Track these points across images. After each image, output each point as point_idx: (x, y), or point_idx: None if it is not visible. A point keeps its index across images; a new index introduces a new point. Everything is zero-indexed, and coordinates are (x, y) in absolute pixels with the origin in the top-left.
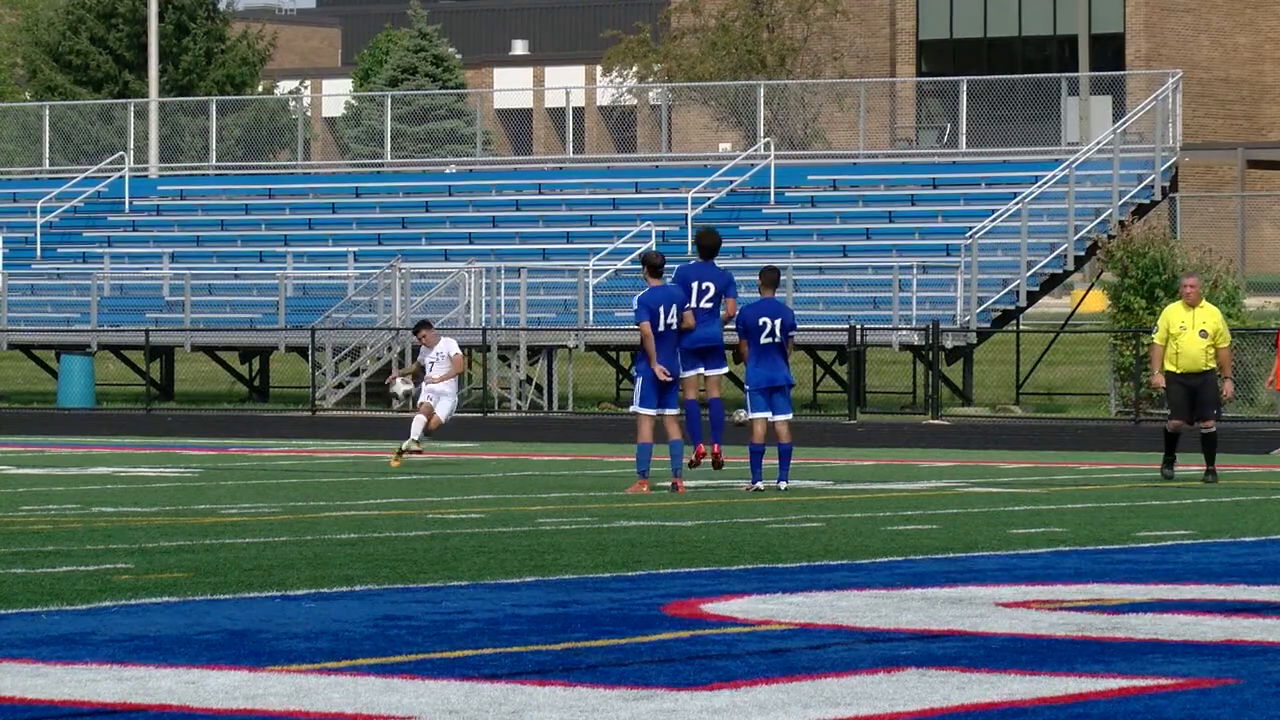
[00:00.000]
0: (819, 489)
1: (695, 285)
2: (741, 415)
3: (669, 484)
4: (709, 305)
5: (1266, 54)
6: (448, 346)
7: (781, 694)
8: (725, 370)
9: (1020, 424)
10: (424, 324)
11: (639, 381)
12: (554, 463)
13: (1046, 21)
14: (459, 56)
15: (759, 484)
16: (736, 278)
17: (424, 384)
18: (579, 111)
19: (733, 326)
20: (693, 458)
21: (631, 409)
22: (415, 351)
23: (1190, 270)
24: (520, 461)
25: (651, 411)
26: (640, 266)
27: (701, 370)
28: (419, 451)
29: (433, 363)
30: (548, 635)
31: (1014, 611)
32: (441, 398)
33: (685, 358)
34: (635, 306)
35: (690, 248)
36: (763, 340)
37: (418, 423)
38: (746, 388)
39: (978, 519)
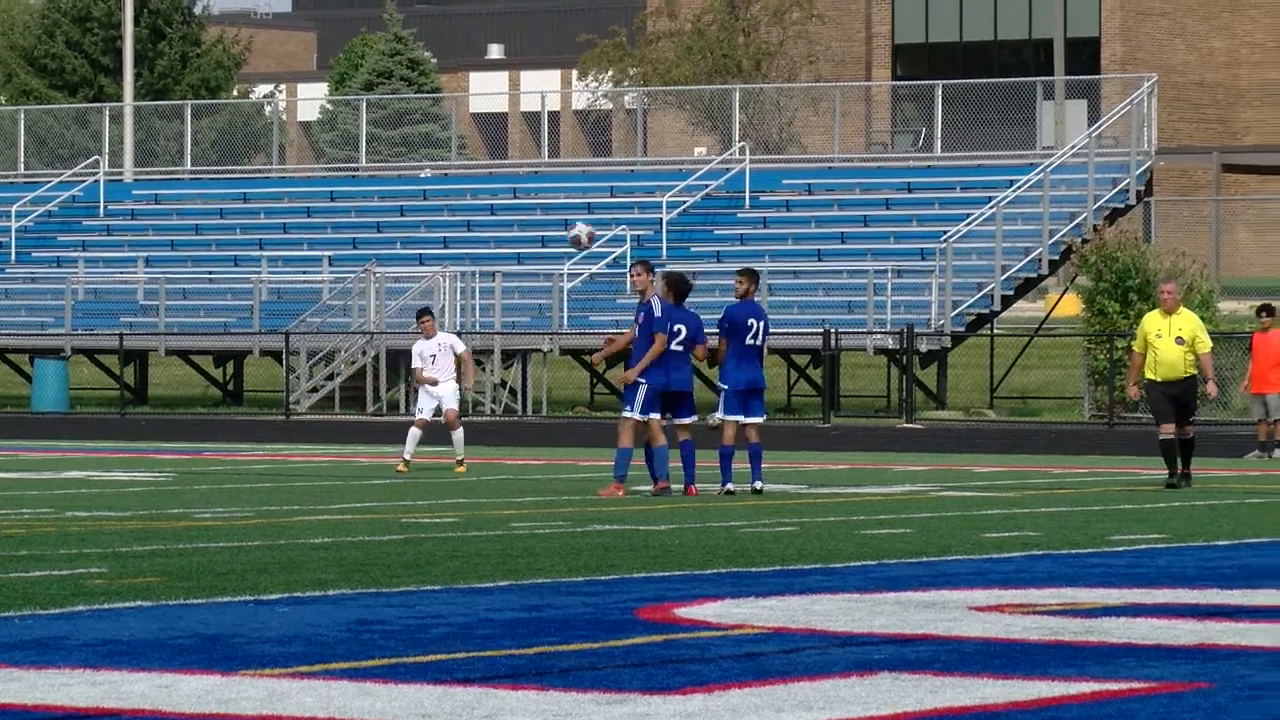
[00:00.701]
0: (793, 493)
1: (668, 327)
2: (713, 419)
3: (651, 489)
4: (679, 349)
5: (1242, 58)
6: (448, 339)
7: (754, 698)
8: (695, 418)
9: (994, 428)
10: (426, 311)
11: (640, 388)
12: (528, 467)
13: (1022, 25)
14: (434, 60)
15: (730, 486)
16: (711, 282)
17: (423, 389)
18: (554, 116)
19: (709, 330)
20: (655, 490)
21: (641, 413)
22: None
23: (1167, 275)
24: (494, 466)
25: (643, 417)
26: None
27: (669, 417)
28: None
29: (434, 355)
30: (521, 639)
31: (987, 615)
32: (444, 397)
33: (654, 401)
34: (662, 315)
35: (664, 252)
36: (747, 341)
37: (414, 435)
38: (725, 388)
39: (951, 523)
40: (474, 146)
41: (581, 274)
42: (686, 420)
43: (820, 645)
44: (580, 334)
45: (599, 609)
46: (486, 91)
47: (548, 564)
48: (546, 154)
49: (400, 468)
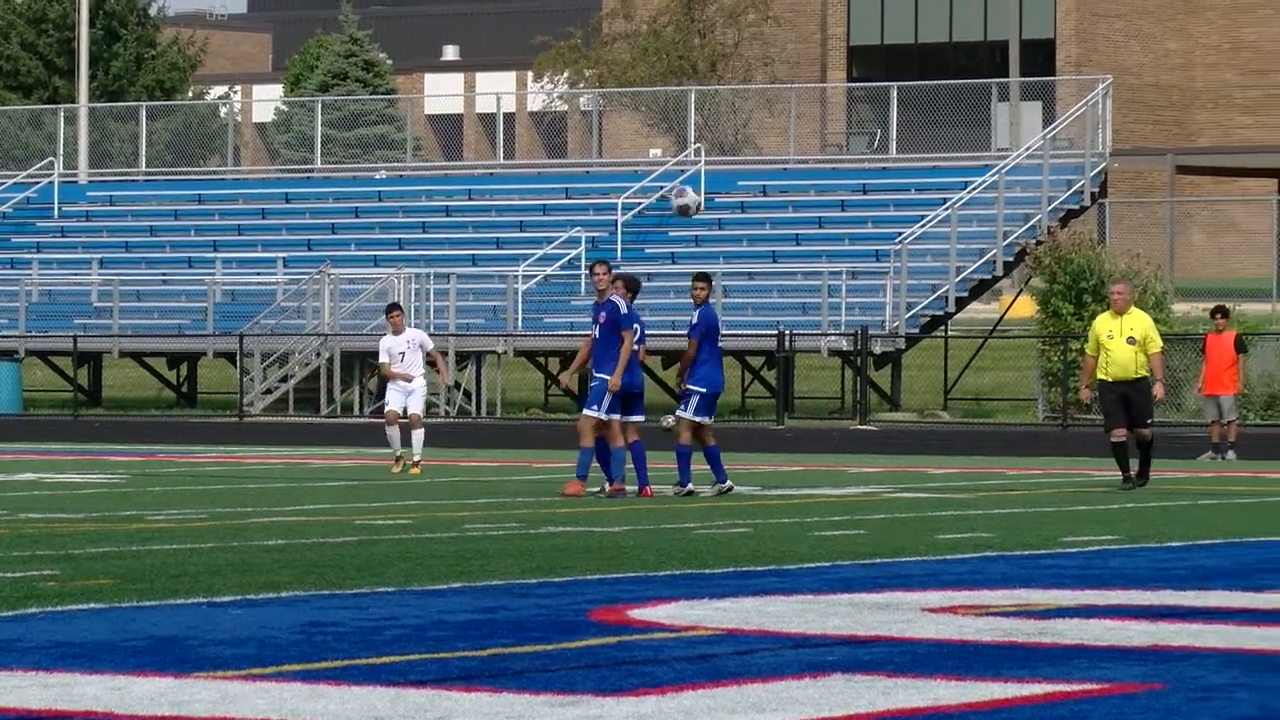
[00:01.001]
0: (747, 494)
1: (633, 325)
2: (669, 420)
3: (605, 490)
4: (636, 348)
5: (1197, 59)
6: (418, 336)
7: (707, 699)
8: (644, 417)
9: (948, 429)
10: (395, 306)
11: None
12: (482, 469)
13: (978, 27)
14: (390, 62)
15: (689, 486)
16: (667, 284)
17: (391, 384)
18: (510, 117)
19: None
20: (609, 491)
21: (606, 413)
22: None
23: (1119, 277)
24: (448, 468)
25: (607, 417)
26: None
27: (621, 417)
28: (415, 462)
29: (403, 352)
30: (474, 641)
31: (941, 617)
32: (410, 396)
33: (617, 400)
34: (628, 312)
35: (619, 253)
36: (718, 344)
37: (393, 434)
38: (699, 389)
39: (905, 524)
40: (429, 148)
41: (536, 275)
42: (638, 419)
43: (773, 647)
44: (535, 336)
45: (552, 611)
46: (442, 93)
47: (501, 566)
48: (502, 155)
49: (395, 469)
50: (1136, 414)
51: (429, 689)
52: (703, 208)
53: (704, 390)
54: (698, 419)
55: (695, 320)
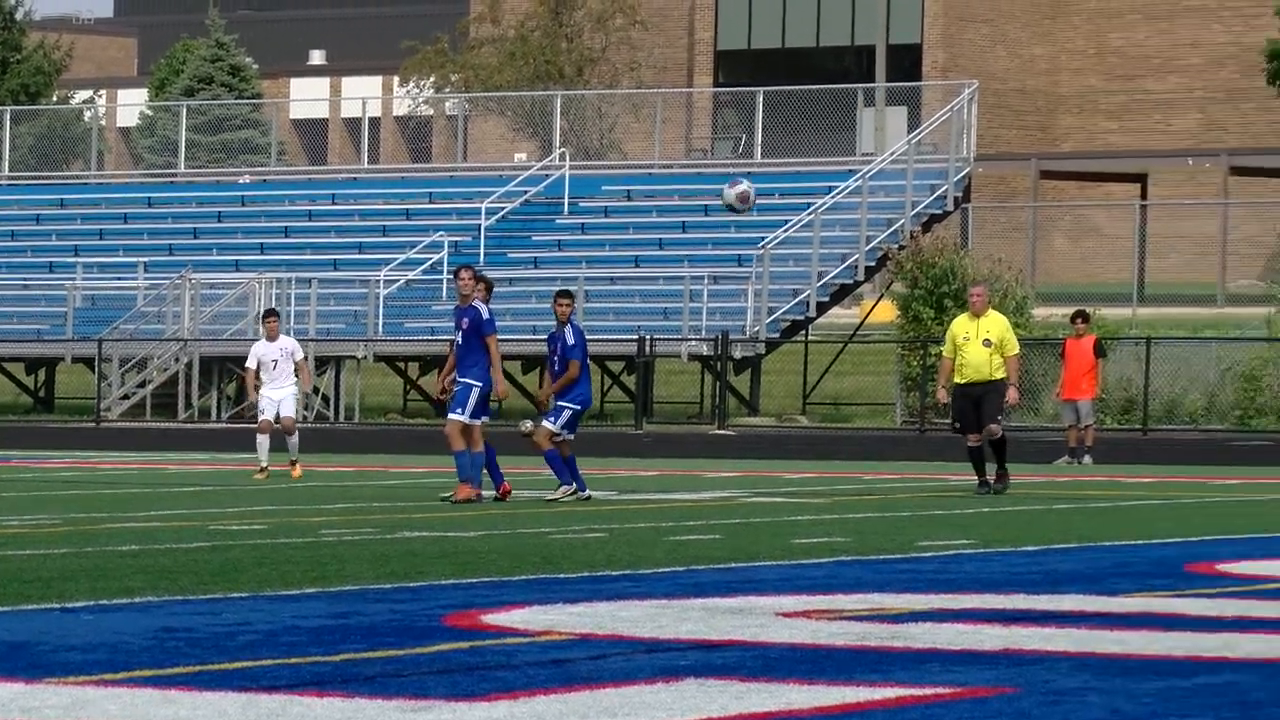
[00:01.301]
0: (603, 499)
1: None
2: (528, 425)
3: (453, 495)
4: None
5: (1062, 64)
6: (290, 344)
7: (559, 704)
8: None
9: (805, 434)
10: (272, 312)
11: (474, 391)
12: (339, 474)
13: (844, 32)
14: (256, 66)
15: (574, 486)
16: (529, 289)
17: (262, 392)
18: (375, 122)
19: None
20: (460, 497)
21: (471, 417)
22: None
23: (977, 280)
24: (305, 473)
25: (474, 421)
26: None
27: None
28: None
29: (275, 360)
30: (327, 646)
31: (794, 621)
32: (282, 402)
33: (484, 404)
34: (490, 317)
35: (482, 258)
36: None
37: (264, 442)
38: (574, 406)
39: (761, 529)
40: (294, 153)
41: (398, 280)
42: (484, 421)
43: (627, 651)
44: (395, 341)
45: (406, 616)
46: (307, 98)
47: (356, 571)
48: (366, 160)
49: (258, 475)
50: (986, 410)
51: (281, 694)
52: (752, 199)
53: (578, 408)
54: (564, 434)
55: (573, 341)
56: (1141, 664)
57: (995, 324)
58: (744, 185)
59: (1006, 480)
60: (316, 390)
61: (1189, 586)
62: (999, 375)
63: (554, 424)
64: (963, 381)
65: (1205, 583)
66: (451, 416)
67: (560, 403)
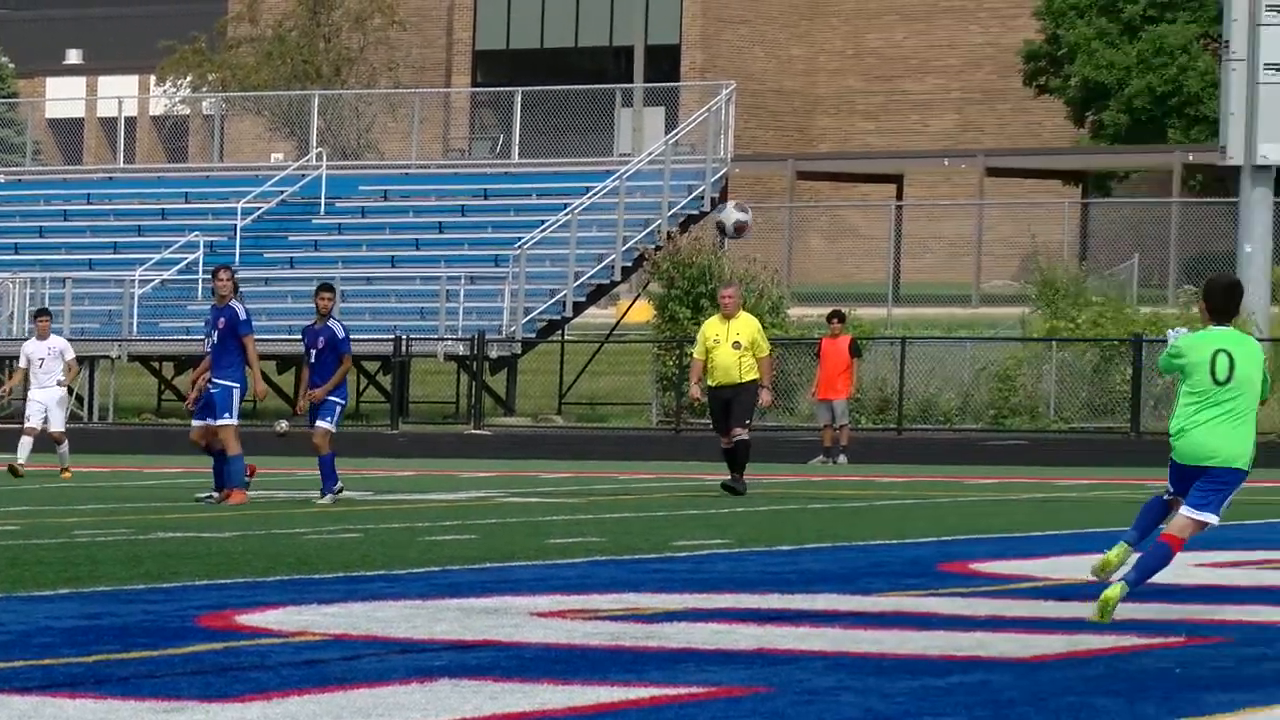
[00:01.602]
0: (359, 499)
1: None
2: (284, 425)
3: (218, 496)
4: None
5: (820, 65)
6: (59, 343)
7: (313, 704)
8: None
9: (561, 434)
10: (44, 311)
11: (235, 393)
12: (92, 474)
13: (603, 33)
14: (11, 65)
15: (339, 489)
16: (285, 288)
17: (30, 394)
18: (131, 121)
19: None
20: (224, 498)
21: (230, 421)
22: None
23: (728, 281)
24: (58, 473)
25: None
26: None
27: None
28: (65, 469)
29: (42, 359)
30: (80, 647)
31: (549, 621)
32: (51, 411)
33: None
34: (247, 318)
35: (238, 258)
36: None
37: (26, 444)
38: (341, 401)
39: (516, 529)
40: (49, 152)
41: (153, 280)
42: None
43: (381, 652)
44: (150, 341)
45: (159, 616)
46: (63, 97)
47: (109, 571)
48: (122, 160)
49: (14, 470)
50: (734, 413)
51: (33, 696)
52: (747, 225)
53: (344, 402)
54: (335, 429)
55: (343, 334)
56: (895, 663)
57: (746, 326)
58: (745, 217)
59: (742, 487)
60: (71, 390)
61: (943, 586)
62: (749, 377)
63: (331, 424)
64: (713, 384)
65: (959, 582)
66: (223, 422)
67: (332, 399)
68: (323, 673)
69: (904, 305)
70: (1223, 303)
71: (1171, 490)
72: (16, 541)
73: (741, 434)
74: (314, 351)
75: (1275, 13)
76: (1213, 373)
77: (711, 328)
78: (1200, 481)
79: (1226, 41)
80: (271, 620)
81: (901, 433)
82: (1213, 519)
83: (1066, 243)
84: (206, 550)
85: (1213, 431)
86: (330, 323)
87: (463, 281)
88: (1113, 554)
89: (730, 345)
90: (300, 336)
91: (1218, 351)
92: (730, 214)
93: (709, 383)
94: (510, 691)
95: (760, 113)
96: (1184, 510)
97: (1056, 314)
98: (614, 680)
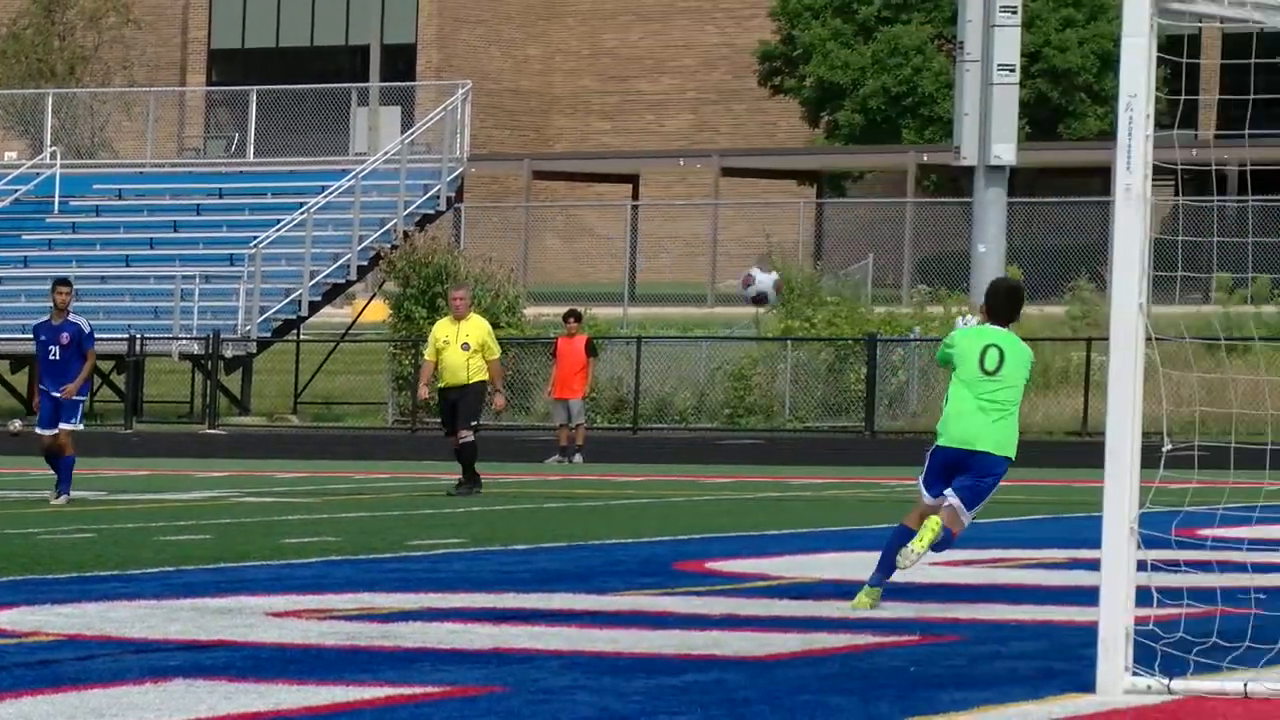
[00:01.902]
0: (93, 499)
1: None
2: (16, 425)
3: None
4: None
5: (556, 65)
6: None
7: (47, 705)
8: None
9: (297, 433)
10: None
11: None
12: None
13: (339, 32)
14: None
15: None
16: (18, 288)
17: None
18: None
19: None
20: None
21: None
22: None
23: (460, 283)
24: None
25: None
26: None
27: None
28: None
29: None
30: None
31: (284, 621)
32: None
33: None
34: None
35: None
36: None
37: None
38: (83, 398)
39: (251, 529)
40: None
41: None
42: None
43: (115, 652)
44: None
45: None
46: None
47: None
48: None
49: None
50: (460, 414)
51: None
52: (775, 292)
53: (84, 399)
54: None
55: (88, 330)
56: (631, 662)
57: (476, 328)
58: (775, 279)
59: (472, 487)
60: None
61: (678, 585)
62: (477, 379)
63: (79, 423)
64: (443, 385)
65: (694, 581)
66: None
67: (78, 398)
68: (56, 673)
69: (640, 305)
70: (1003, 306)
71: (927, 496)
72: None
73: (466, 436)
74: (55, 348)
75: (1009, 14)
76: (982, 363)
77: (442, 329)
78: (963, 477)
79: (961, 42)
80: (4, 620)
81: (637, 432)
82: (965, 520)
83: (801, 242)
84: None
85: (979, 418)
86: (73, 318)
87: (197, 280)
88: (863, 598)
89: (460, 346)
90: (33, 335)
91: (989, 345)
92: (763, 279)
93: (440, 384)
94: (245, 692)
95: (496, 112)
96: (949, 502)
97: (791, 313)
98: (349, 680)
